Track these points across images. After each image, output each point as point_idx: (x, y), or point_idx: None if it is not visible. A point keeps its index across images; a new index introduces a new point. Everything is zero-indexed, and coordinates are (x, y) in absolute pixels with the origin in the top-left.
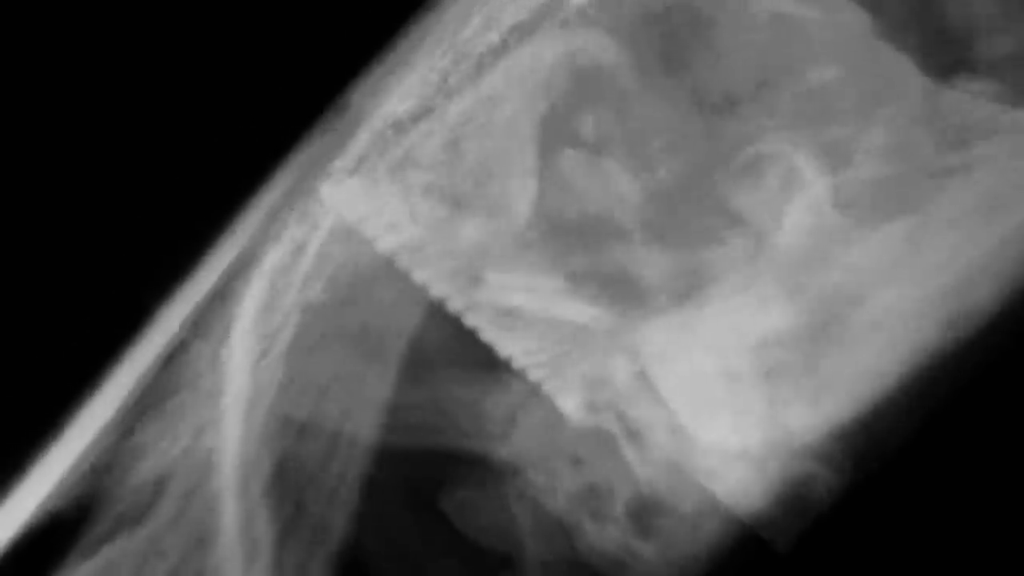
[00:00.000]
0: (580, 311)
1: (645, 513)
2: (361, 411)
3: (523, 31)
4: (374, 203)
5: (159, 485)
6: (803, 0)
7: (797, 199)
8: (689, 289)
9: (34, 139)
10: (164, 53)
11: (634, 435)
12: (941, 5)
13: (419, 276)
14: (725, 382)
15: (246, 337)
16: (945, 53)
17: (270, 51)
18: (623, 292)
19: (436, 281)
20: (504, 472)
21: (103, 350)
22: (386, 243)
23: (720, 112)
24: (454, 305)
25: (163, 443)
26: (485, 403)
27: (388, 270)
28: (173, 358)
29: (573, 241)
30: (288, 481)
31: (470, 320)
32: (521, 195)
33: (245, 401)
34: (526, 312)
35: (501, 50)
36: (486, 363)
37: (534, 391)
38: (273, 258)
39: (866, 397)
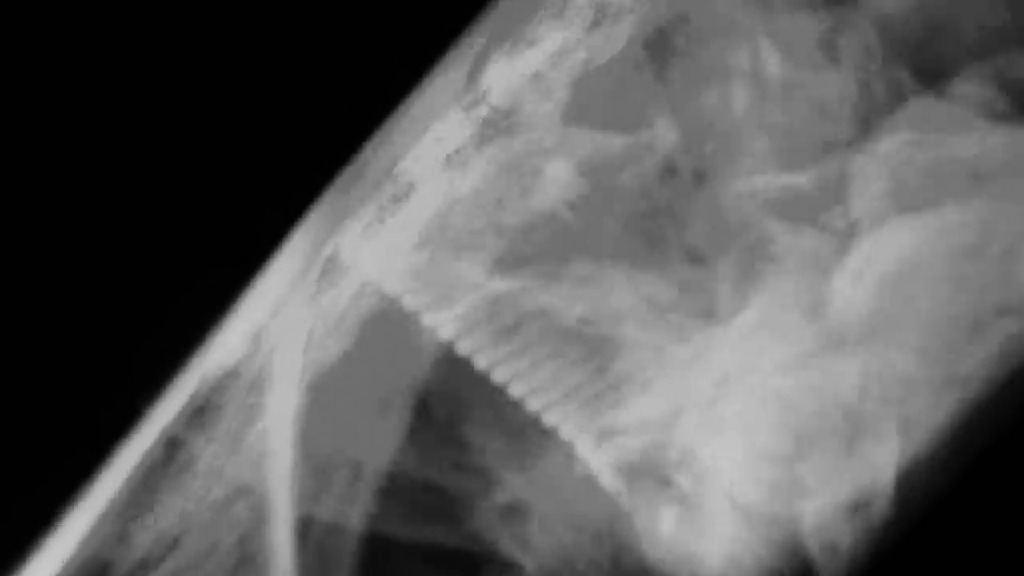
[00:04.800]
0: (613, 362)
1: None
2: (370, 480)
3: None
4: (397, 259)
5: (175, 541)
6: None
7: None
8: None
9: (26, 220)
10: (178, 115)
11: (663, 489)
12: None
13: (445, 333)
14: (757, 447)
15: (263, 393)
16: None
17: (287, 108)
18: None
19: (463, 337)
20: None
21: (120, 411)
22: (410, 300)
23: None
24: (481, 362)
25: (178, 500)
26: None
27: (412, 326)
28: (187, 417)
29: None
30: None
31: (498, 377)
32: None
33: (260, 460)
34: (556, 366)
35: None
36: (514, 424)
37: (568, 452)
38: (293, 313)
39: (891, 461)
